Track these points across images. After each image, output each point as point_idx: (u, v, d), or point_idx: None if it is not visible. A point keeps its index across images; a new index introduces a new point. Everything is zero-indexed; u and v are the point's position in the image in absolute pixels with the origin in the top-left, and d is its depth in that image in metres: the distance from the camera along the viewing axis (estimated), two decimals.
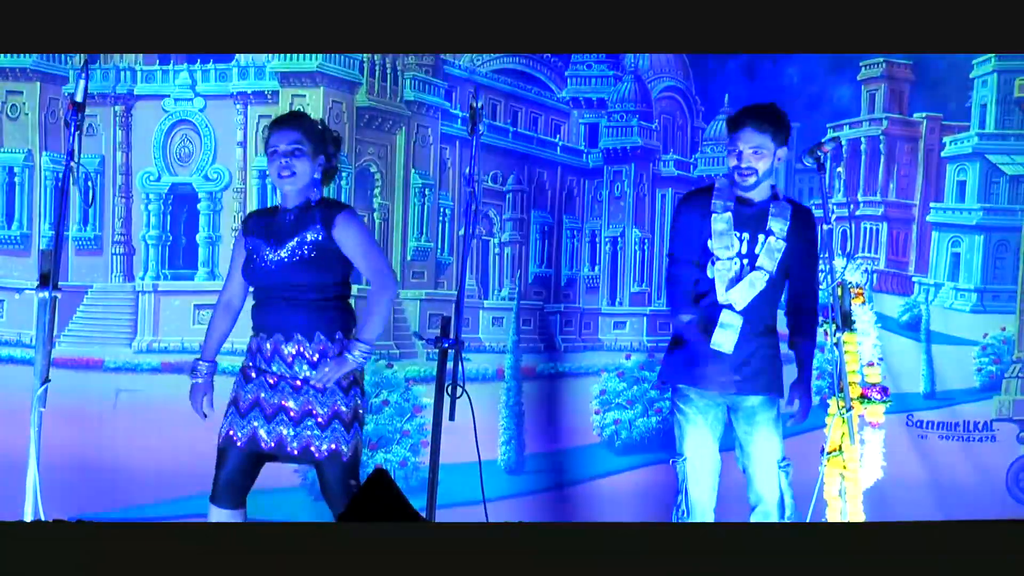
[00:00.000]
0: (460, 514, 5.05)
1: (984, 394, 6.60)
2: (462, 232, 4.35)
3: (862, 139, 6.68)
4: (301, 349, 4.00)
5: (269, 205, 4.35)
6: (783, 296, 4.35)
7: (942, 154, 6.70)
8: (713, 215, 4.27)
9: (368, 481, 4.22)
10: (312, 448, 4.00)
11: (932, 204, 6.70)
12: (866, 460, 4.59)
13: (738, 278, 4.27)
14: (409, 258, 6.04)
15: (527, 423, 6.19)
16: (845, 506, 4.45)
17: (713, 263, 4.25)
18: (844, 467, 4.41)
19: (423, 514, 4.26)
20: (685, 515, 4.38)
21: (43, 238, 5.80)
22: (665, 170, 6.55)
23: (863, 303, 4.50)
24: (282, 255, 4.02)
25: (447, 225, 6.12)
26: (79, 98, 3.83)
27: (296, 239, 4.02)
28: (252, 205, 5.83)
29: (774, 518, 4.21)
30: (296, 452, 4.01)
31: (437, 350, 4.28)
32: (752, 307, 4.24)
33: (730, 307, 4.24)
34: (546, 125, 6.41)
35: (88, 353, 5.74)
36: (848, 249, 4.21)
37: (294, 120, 4.08)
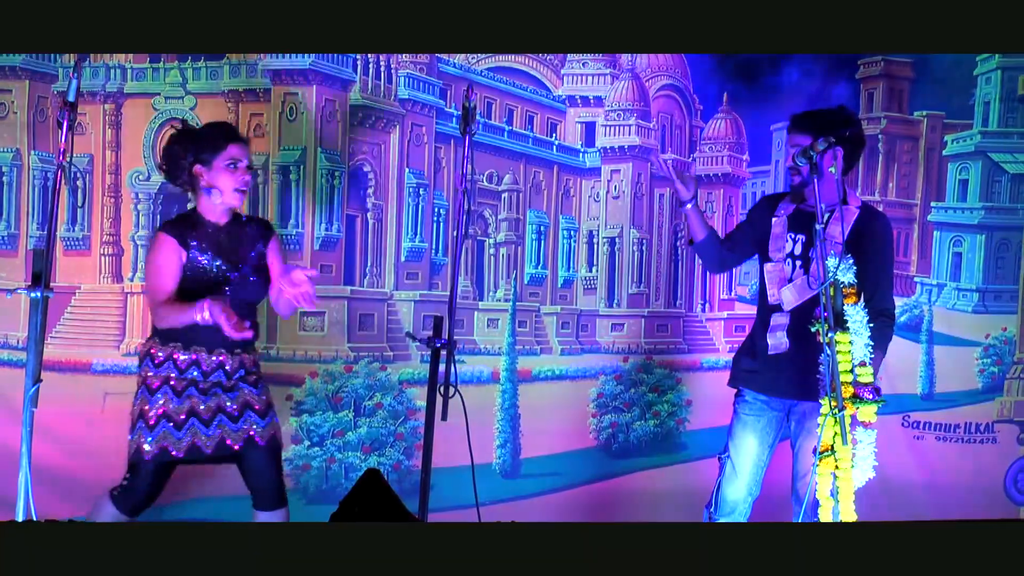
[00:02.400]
0: (454, 518, 5.03)
1: (986, 395, 6.59)
2: (456, 233, 4.34)
3: None
4: (242, 364, 4.24)
5: (221, 209, 4.29)
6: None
7: (944, 152, 6.66)
8: (775, 218, 4.46)
9: (360, 482, 4.24)
10: (256, 438, 4.22)
11: (933, 203, 6.66)
12: (858, 460, 4.50)
13: (790, 279, 4.41)
14: (403, 259, 5.98)
15: (523, 426, 6.14)
16: (837, 506, 4.42)
17: (766, 264, 4.45)
18: (836, 467, 4.38)
19: (416, 515, 4.27)
20: (714, 511, 4.58)
21: (31, 238, 5.72)
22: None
23: (855, 303, 4.50)
24: (238, 272, 4.18)
25: (442, 225, 6.06)
26: (71, 97, 3.82)
27: (250, 255, 4.23)
28: (243, 204, 5.74)
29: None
30: (236, 448, 4.20)
31: (430, 351, 4.30)
32: (802, 310, 4.37)
33: (780, 308, 4.42)
34: (542, 124, 6.34)
35: (76, 355, 5.67)
36: (842, 248, 4.24)
37: (241, 135, 4.22)
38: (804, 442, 4.46)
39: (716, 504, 4.60)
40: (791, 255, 4.45)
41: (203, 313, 3.89)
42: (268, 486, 4.30)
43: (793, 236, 4.44)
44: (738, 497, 4.55)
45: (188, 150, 4.16)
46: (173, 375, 4.15)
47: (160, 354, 4.17)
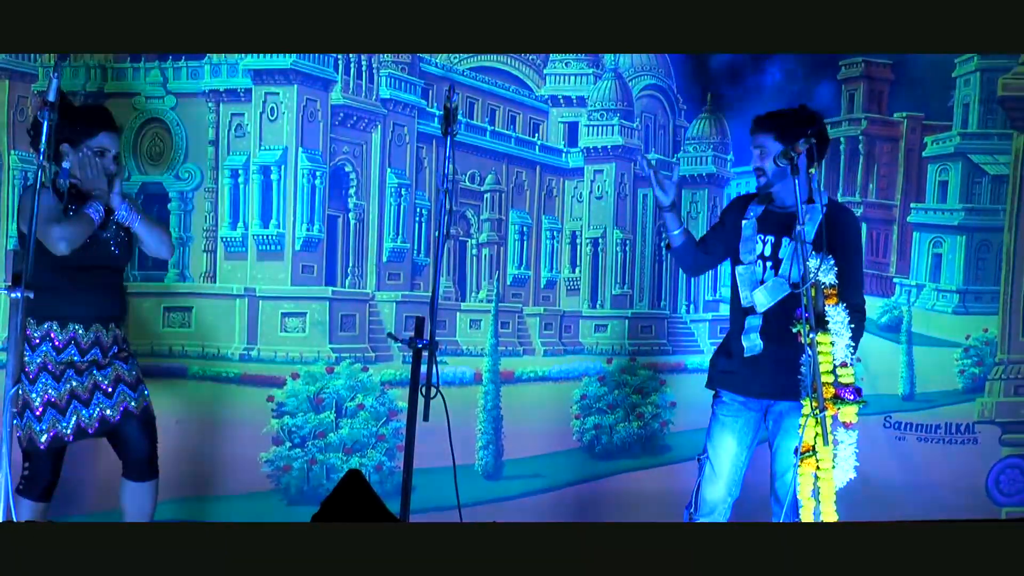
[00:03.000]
0: (436, 519, 5.00)
1: (967, 396, 6.60)
2: (438, 234, 4.33)
3: (841, 139, 6.62)
4: (115, 340, 4.42)
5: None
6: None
7: (924, 154, 6.67)
8: (744, 220, 4.47)
9: (342, 482, 4.23)
10: (132, 409, 4.41)
11: (913, 204, 6.68)
12: (839, 461, 4.54)
13: (761, 280, 4.42)
14: (385, 259, 5.95)
15: (505, 428, 6.12)
16: (818, 507, 4.46)
17: (737, 267, 4.46)
18: (817, 468, 4.43)
19: (398, 516, 4.27)
20: (695, 511, 4.59)
21: (10, 238, 5.66)
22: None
23: (836, 304, 4.51)
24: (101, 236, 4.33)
25: (424, 226, 6.03)
26: (51, 97, 3.82)
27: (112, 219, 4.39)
28: (223, 205, 5.73)
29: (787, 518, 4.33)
30: (115, 420, 4.39)
31: (412, 352, 4.31)
32: (781, 311, 4.37)
33: (754, 310, 4.42)
34: (525, 124, 6.32)
35: None
36: (824, 249, 4.27)
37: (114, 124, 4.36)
38: (782, 442, 4.48)
39: (696, 505, 4.62)
40: (761, 256, 4.45)
41: (96, 208, 4.13)
42: (142, 456, 4.49)
43: (763, 237, 4.45)
44: (717, 497, 4.57)
45: (66, 122, 4.15)
46: (51, 358, 4.23)
47: (36, 335, 4.23)
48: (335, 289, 5.86)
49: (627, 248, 6.40)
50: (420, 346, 4.38)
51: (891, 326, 6.62)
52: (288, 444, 5.75)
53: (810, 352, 4.23)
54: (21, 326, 3.86)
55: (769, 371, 4.42)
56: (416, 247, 6.02)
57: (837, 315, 4.55)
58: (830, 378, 4.50)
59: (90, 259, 4.29)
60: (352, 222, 5.90)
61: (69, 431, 4.32)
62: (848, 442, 4.58)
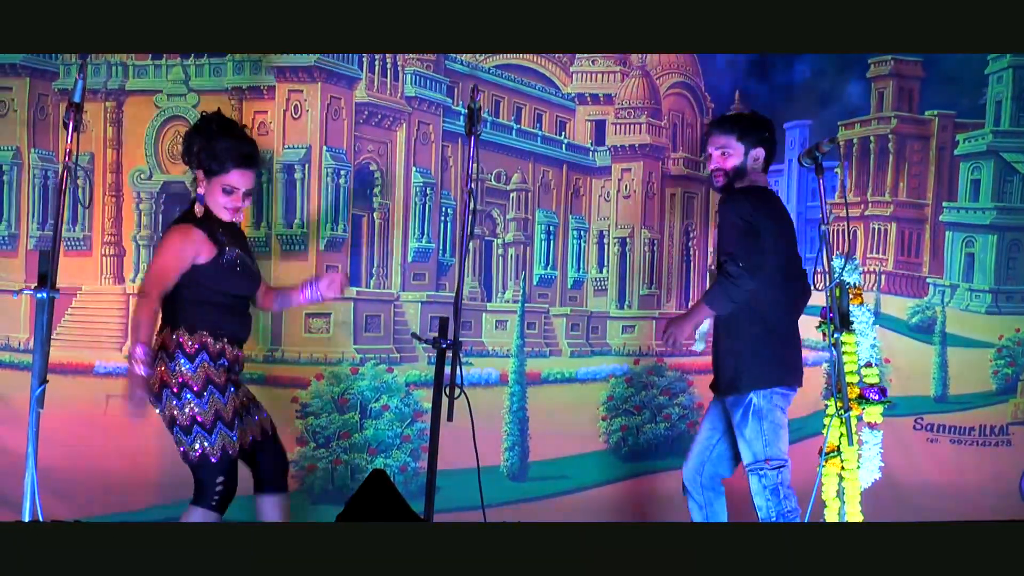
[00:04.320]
0: (460, 519, 4.98)
1: (1001, 397, 6.52)
2: (463, 233, 4.31)
3: (871, 137, 6.57)
4: (241, 360, 4.25)
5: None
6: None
7: (955, 152, 6.60)
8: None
9: (366, 482, 4.21)
10: (266, 426, 4.27)
11: (945, 203, 6.60)
12: (864, 461, 4.63)
13: None
14: (410, 259, 5.90)
15: (531, 429, 6.07)
16: (843, 507, 4.53)
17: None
18: (842, 468, 4.48)
19: (422, 516, 4.25)
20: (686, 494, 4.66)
21: (31, 238, 5.65)
22: (675, 168, 6.42)
23: (861, 304, 4.49)
24: (250, 266, 4.23)
25: (449, 225, 5.98)
26: (77, 99, 3.81)
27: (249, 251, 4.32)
28: None
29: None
30: (260, 437, 4.24)
31: (436, 352, 4.31)
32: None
33: None
34: (551, 122, 6.26)
35: (77, 357, 5.60)
36: (847, 250, 4.26)
37: (257, 160, 4.16)
38: (738, 442, 4.47)
39: (684, 487, 4.66)
40: None
41: (136, 354, 3.91)
42: (282, 467, 4.34)
43: None
44: (687, 477, 4.61)
45: (201, 151, 4.09)
46: (212, 371, 4.06)
47: (192, 344, 4.06)
48: (359, 289, 5.81)
49: (655, 248, 6.34)
50: (444, 346, 4.37)
51: (922, 327, 6.55)
52: (313, 445, 5.70)
53: (834, 352, 4.23)
54: (47, 327, 3.79)
55: (714, 365, 4.54)
56: (442, 247, 5.97)
57: (862, 315, 4.56)
58: (855, 378, 4.54)
59: (245, 288, 4.22)
60: (377, 222, 5.85)
61: (235, 446, 4.10)
62: (873, 442, 4.64)
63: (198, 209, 4.10)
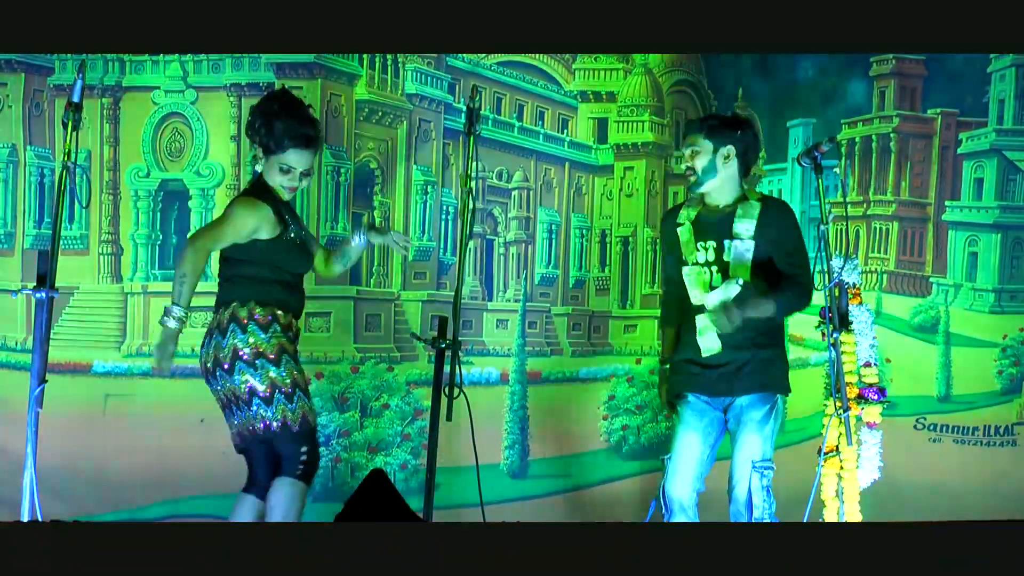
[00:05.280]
0: (460, 517, 4.98)
1: (1005, 397, 6.49)
2: (461, 233, 4.30)
3: (873, 136, 6.55)
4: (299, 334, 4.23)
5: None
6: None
7: (958, 150, 6.57)
8: (679, 226, 4.44)
9: (366, 482, 4.19)
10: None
11: (948, 202, 6.58)
12: (863, 461, 4.62)
13: (712, 286, 4.35)
14: (411, 258, 5.86)
15: (532, 428, 6.04)
16: (842, 507, 4.52)
17: (683, 268, 4.43)
18: (841, 468, 4.48)
19: (421, 515, 4.24)
20: (662, 509, 4.51)
21: (27, 237, 5.61)
22: (677, 167, 6.38)
23: (860, 304, 4.47)
24: (309, 245, 4.25)
25: (450, 224, 5.95)
26: (76, 98, 3.81)
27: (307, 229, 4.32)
28: None
29: (742, 517, 4.27)
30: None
31: (435, 351, 4.30)
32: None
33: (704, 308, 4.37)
34: (553, 120, 6.24)
35: (75, 357, 5.55)
36: (847, 249, 4.27)
37: (316, 141, 4.15)
38: (742, 434, 4.35)
39: (665, 505, 4.49)
40: (707, 263, 4.38)
41: (171, 317, 3.91)
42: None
43: (704, 244, 4.39)
44: (683, 495, 4.43)
45: (261, 129, 4.11)
46: (285, 341, 4.07)
47: (264, 316, 4.04)
48: (360, 288, 5.78)
49: (657, 247, 6.29)
50: (443, 346, 4.36)
51: (925, 327, 6.52)
52: None
53: (833, 352, 4.22)
54: (46, 327, 3.80)
55: (725, 369, 4.36)
56: (442, 246, 5.93)
57: (861, 315, 4.55)
58: (854, 378, 4.54)
59: (305, 266, 4.24)
60: (377, 219, 5.80)
61: (314, 415, 4.15)
62: (872, 442, 4.61)
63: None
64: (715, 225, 4.36)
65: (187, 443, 4.57)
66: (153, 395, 5.47)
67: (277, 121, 4.07)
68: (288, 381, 4.00)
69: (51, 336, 5.18)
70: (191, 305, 3.92)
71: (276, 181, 4.12)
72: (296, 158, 4.09)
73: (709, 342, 4.36)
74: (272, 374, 3.98)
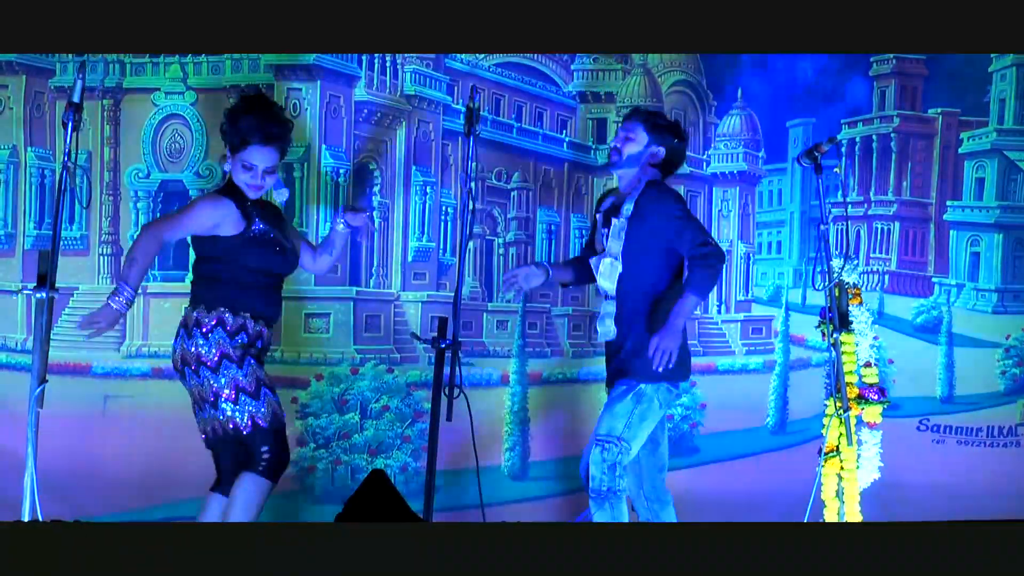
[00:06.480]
0: (461, 518, 4.96)
1: (1008, 398, 6.46)
2: (460, 234, 4.30)
3: (874, 136, 6.53)
4: (268, 340, 4.28)
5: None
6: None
7: (959, 150, 6.55)
8: (598, 214, 4.63)
9: (365, 482, 4.22)
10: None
11: (949, 202, 6.56)
12: (863, 461, 4.64)
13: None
14: (410, 259, 5.86)
15: (532, 429, 6.02)
16: (842, 507, 4.54)
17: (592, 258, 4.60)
18: (841, 468, 4.50)
19: (421, 515, 4.23)
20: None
21: (27, 237, 5.61)
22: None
23: (860, 304, 4.48)
24: (282, 243, 4.25)
25: (450, 224, 5.94)
26: (76, 99, 3.84)
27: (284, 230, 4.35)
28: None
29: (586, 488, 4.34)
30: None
31: (435, 351, 4.30)
32: (624, 293, 4.44)
33: (606, 295, 4.53)
34: (552, 120, 6.22)
35: (75, 358, 5.55)
36: (848, 249, 4.28)
37: (278, 139, 4.19)
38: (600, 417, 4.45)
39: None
40: (604, 245, 4.52)
41: (118, 298, 3.97)
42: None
43: (606, 229, 4.52)
44: (632, 494, 4.57)
45: (225, 126, 4.18)
46: (255, 348, 4.13)
47: (207, 321, 4.09)
48: (359, 289, 5.77)
49: None
50: (443, 347, 4.36)
51: (928, 327, 6.50)
52: (312, 445, 5.66)
53: (833, 352, 4.29)
54: (46, 327, 3.82)
55: (615, 350, 4.50)
56: (442, 246, 5.92)
57: (861, 315, 4.55)
58: (854, 378, 4.56)
59: (283, 267, 4.27)
60: (376, 221, 5.80)
61: (282, 413, 4.21)
62: (872, 442, 4.64)
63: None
64: (614, 209, 4.51)
65: (187, 444, 4.56)
66: (153, 396, 5.48)
67: (241, 119, 4.12)
68: (251, 380, 4.05)
69: (51, 336, 5.24)
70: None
71: (240, 179, 4.16)
72: (258, 155, 4.14)
73: (606, 328, 4.52)
74: (234, 375, 4.03)
